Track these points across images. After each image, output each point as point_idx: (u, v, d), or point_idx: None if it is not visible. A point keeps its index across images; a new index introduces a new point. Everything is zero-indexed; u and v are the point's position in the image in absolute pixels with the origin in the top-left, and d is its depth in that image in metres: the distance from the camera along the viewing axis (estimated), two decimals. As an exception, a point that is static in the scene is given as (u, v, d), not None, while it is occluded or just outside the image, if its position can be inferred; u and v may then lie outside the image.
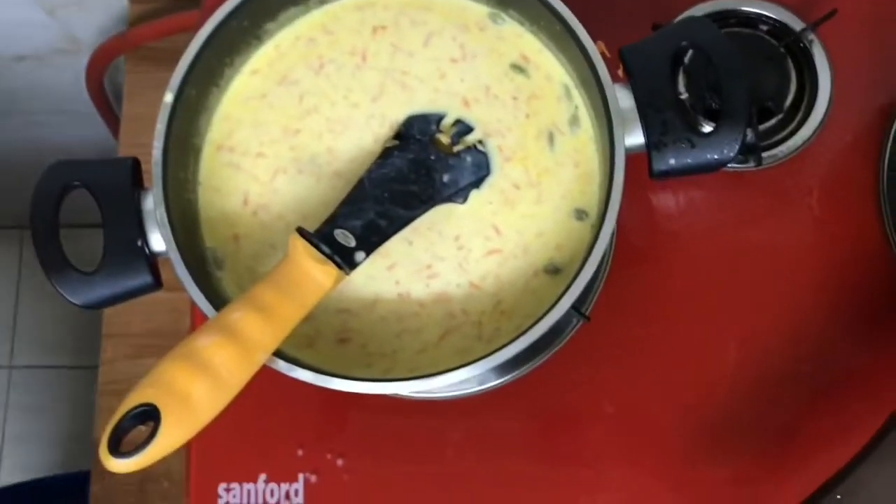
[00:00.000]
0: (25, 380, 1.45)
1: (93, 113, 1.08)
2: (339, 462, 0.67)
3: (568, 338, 0.67)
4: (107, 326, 0.82)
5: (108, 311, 0.83)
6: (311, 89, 0.60)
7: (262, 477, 0.68)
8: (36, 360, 1.46)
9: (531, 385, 0.68)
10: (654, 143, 0.52)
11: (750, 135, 0.67)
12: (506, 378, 0.68)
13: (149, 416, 0.46)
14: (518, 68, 0.59)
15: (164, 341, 0.53)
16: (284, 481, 0.68)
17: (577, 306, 0.64)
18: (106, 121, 1.08)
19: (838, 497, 0.52)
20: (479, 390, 0.68)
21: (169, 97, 0.55)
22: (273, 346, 0.50)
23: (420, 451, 0.68)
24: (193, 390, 0.47)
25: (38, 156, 1.27)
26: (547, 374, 0.68)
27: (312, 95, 0.60)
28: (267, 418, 0.69)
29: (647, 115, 0.52)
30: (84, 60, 0.99)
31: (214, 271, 0.58)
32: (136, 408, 0.46)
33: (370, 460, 0.67)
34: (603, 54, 0.69)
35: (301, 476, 0.67)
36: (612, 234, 0.67)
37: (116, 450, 0.46)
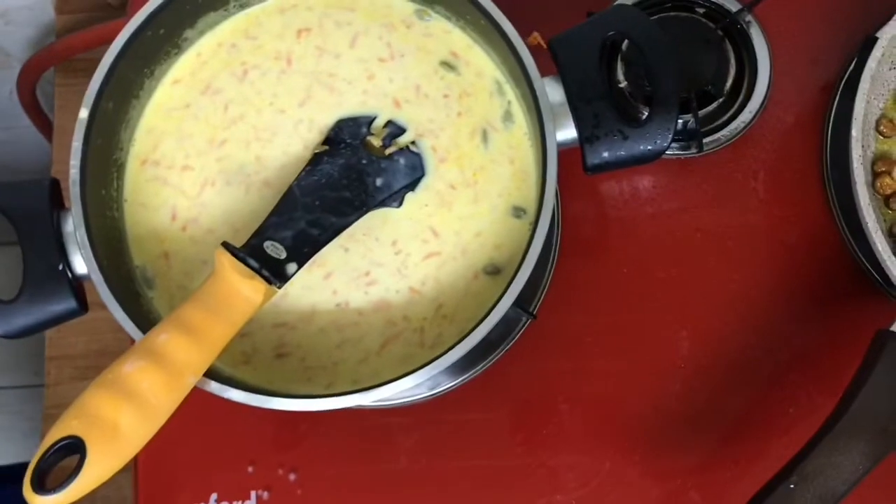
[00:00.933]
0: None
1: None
2: (292, 477, 0.66)
3: (517, 337, 0.66)
4: (50, 349, 0.79)
5: (50, 334, 0.81)
6: (235, 97, 0.58)
7: (214, 496, 0.66)
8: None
9: (483, 386, 0.66)
10: (587, 136, 0.51)
11: (690, 121, 0.66)
12: (458, 381, 0.67)
13: (74, 448, 0.44)
14: (448, 65, 0.58)
15: (110, 361, 0.51)
16: (236, 500, 0.66)
17: (523, 305, 0.63)
18: (44, 135, 1.05)
19: (791, 486, 0.51)
20: (433, 394, 0.67)
21: (84, 113, 0.53)
22: (203, 368, 0.48)
23: (374, 460, 0.66)
24: (120, 419, 0.45)
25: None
26: (499, 375, 0.66)
27: (237, 104, 0.58)
28: (216, 436, 0.67)
29: (578, 108, 0.51)
30: (16, 74, 0.96)
31: (145, 291, 0.56)
32: (60, 441, 0.44)
33: (323, 473, 0.66)
34: (539, 45, 0.68)
35: (253, 493, 0.66)
36: (556, 229, 0.66)
37: (41, 486, 0.44)
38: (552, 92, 0.52)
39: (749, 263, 0.66)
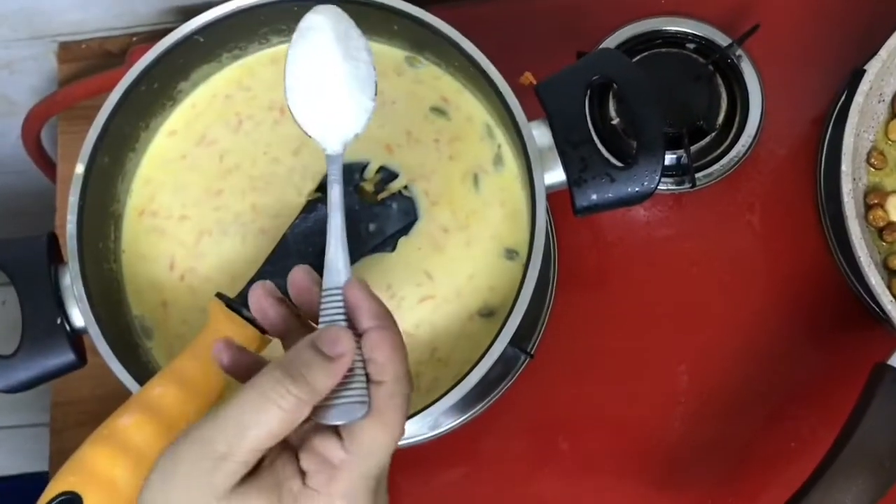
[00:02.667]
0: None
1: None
2: (294, 520, 0.66)
3: (516, 376, 0.66)
4: (55, 394, 0.80)
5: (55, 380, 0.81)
6: (231, 148, 0.59)
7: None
8: (1, 421, 1.44)
9: (484, 425, 0.66)
10: (575, 179, 0.51)
11: (683, 156, 0.66)
12: (459, 420, 0.67)
13: (72, 503, 0.45)
14: (439, 111, 0.58)
15: (116, 406, 0.52)
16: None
17: (520, 345, 0.63)
18: (51, 180, 1.06)
19: (793, 523, 0.51)
20: (434, 435, 0.67)
21: (80, 168, 0.54)
22: (198, 419, 0.48)
23: None
24: (117, 473, 0.45)
25: (-11, 218, 1.25)
26: (499, 412, 0.66)
27: (233, 154, 0.59)
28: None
29: (566, 152, 0.52)
30: (22, 121, 0.97)
31: (143, 341, 0.57)
32: (57, 496, 0.45)
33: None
34: (531, 84, 0.69)
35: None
36: (553, 266, 0.66)
37: (40, 542, 0.44)
38: (540, 136, 0.53)
39: (746, 297, 0.66)
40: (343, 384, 0.37)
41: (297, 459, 0.37)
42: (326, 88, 0.42)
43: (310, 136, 0.42)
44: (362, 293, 0.39)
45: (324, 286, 0.40)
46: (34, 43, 0.87)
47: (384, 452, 0.37)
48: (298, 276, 0.42)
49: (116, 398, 0.79)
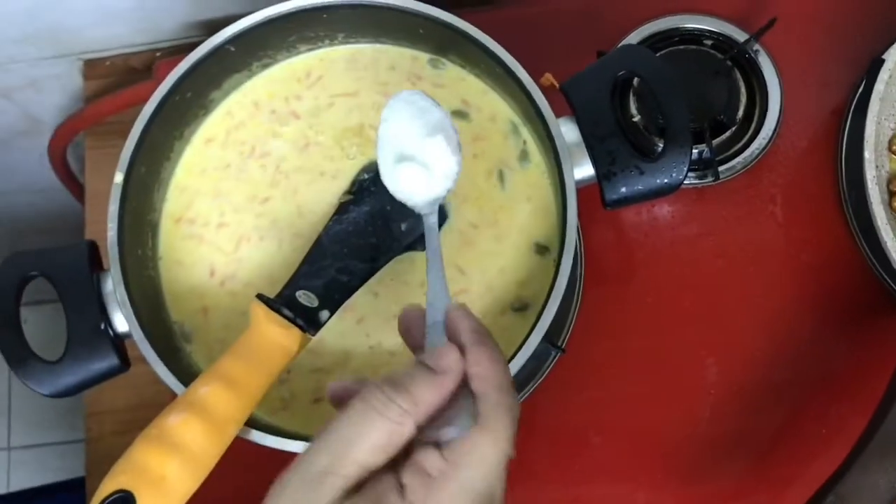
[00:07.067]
0: (24, 460, 1.44)
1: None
2: (332, 520, 0.67)
3: (547, 371, 0.67)
4: (90, 405, 0.81)
5: (89, 389, 0.82)
6: (287, 159, 0.60)
7: (256, 543, 0.67)
8: (33, 439, 1.45)
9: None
10: (604, 173, 0.52)
11: (705, 150, 0.67)
12: (490, 417, 0.68)
13: (125, 501, 0.46)
14: (459, 114, 0.59)
15: (151, 413, 0.53)
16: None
17: (552, 340, 0.64)
18: (76, 197, 1.08)
19: (829, 506, 0.52)
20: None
21: (119, 177, 0.55)
22: (244, 418, 0.50)
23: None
24: (167, 471, 0.46)
25: (13, 235, 1.27)
26: (530, 409, 0.67)
27: (285, 167, 0.60)
28: (250, 479, 0.68)
29: (594, 146, 0.53)
30: (47, 139, 0.99)
31: (183, 345, 0.58)
32: (111, 495, 0.46)
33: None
34: (552, 85, 0.70)
35: (295, 538, 0.67)
36: (579, 262, 0.67)
37: (94, 540, 0.45)
38: (567, 132, 0.54)
39: (772, 287, 0.67)
40: (451, 406, 0.38)
41: (399, 474, 0.37)
42: (412, 160, 0.47)
43: (406, 204, 0.48)
44: (459, 313, 0.41)
45: (427, 321, 0.42)
46: (59, 61, 0.88)
47: (489, 463, 0.36)
48: (414, 314, 0.43)
49: (150, 406, 0.80)
